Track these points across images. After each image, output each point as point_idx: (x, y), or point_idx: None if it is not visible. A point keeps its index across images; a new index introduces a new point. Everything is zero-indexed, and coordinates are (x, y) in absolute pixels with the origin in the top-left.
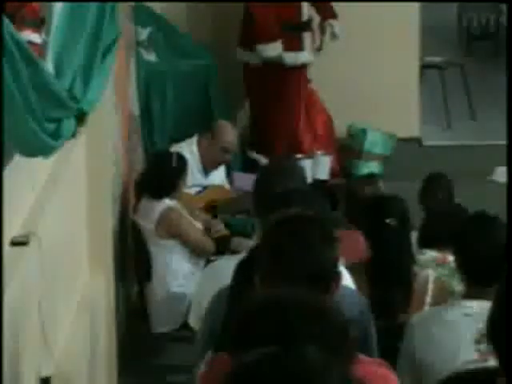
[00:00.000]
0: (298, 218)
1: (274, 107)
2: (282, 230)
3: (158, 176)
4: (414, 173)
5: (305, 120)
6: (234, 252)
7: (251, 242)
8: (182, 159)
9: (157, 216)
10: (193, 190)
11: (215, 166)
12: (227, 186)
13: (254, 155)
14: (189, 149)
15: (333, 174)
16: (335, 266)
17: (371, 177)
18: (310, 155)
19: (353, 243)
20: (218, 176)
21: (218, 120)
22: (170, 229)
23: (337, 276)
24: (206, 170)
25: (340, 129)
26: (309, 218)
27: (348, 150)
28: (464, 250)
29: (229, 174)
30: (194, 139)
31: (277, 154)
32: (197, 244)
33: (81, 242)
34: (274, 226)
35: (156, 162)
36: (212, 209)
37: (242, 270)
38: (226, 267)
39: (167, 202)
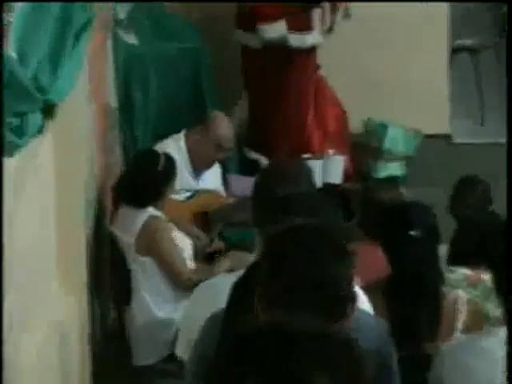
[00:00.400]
0: (306, 229)
1: (277, 98)
2: (287, 244)
3: (141, 180)
4: (442, 176)
5: (313, 113)
6: (230, 269)
7: (250, 257)
8: (170, 161)
9: (138, 228)
10: (180, 196)
11: (207, 166)
12: (222, 191)
13: (253, 155)
14: (176, 145)
15: (347, 176)
16: (350, 285)
17: (392, 180)
18: (319, 155)
19: (370, 259)
20: (212, 179)
21: (213, 112)
22: (150, 244)
23: (353, 298)
24: (197, 170)
25: (355, 124)
26: (318, 228)
27: (365, 148)
28: (497, 266)
29: (223, 177)
30: (182, 134)
31: (280, 153)
32: (178, 272)
33: (49, 256)
34: (276, 238)
35: (138, 164)
36: (203, 218)
37: (239, 291)
38: (220, 287)
39: (151, 211)
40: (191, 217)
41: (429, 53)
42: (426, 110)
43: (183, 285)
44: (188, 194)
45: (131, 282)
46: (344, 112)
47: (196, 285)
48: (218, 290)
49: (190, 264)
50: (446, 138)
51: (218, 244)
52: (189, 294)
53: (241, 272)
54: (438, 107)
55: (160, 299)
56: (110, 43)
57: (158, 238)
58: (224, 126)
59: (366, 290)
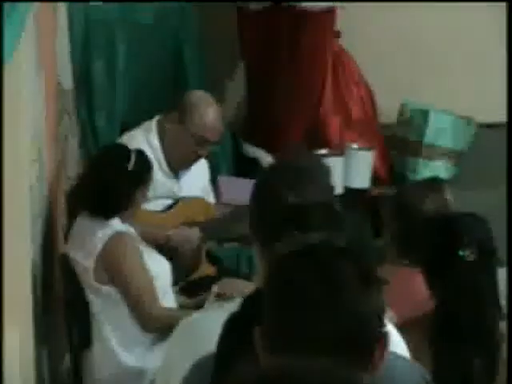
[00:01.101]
0: (322, 249)
1: (283, 74)
2: (297, 268)
3: (105, 183)
4: (501, 177)
5: (331, 94)
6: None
7: (248, 286)
8: (143, 159)
9: (98, 247)
10: (154, 205)
11: (186, 165)
12: (210, 198)
13: (253, 150)
14: (145, 138)
15: (376, 179)
16: (379, 322)
17: (435, 183)
18: (340, 150)
19: (407, 288)
20: (197, 181)
21: (191, 91)
22: (113, 269)
23: (382, 339)
24: (175, 171)
25: (387, 110)
26: (339, 248)
27: (400, 142)
28: None
29: (213, 180)
30: (154, 122)
31: (287, 147)
32: (142, 308)
33: None
34: (283, 260)
35: (102, 162)
36: None
37: (233, 330)
38: (208, 325)
39: (116, 225)
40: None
41: (484, 18)
42: (481, 93)
43: (148, 326)
44: (167, 202)
45: (91, 319)
46: (372, 94)
47: (165, 328)
48: (206, 328)
49: (167, 294)
50: (506, 128)
51: (207, 268)
52: (167, 335)
53: (236, 305)
54: (495, 89)
55: (129, 342)
56: (63, 6)
57: (124, 262)
58: (208, 113)
59: (402, 328)
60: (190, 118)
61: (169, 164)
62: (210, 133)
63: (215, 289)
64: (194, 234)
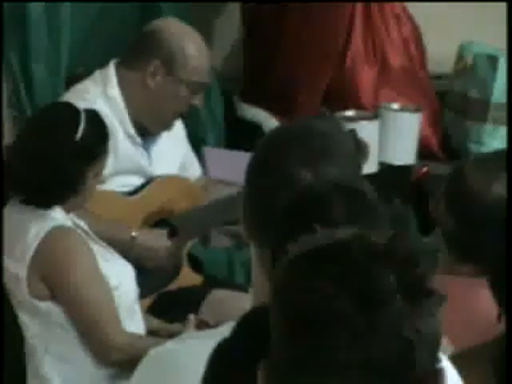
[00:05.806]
0: (353, 250)
1: (295, 10)
2: (316, 277)
3: (42, 160)
4: None
5: (363, 37)
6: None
7: (245, 302)
8: (95, 123)
9: (33, 247)
10: (114, 184)
11: (165, 126)
12: (197, 172)
13: (252, 112)
14: (102, 92)
15: (424, 152)
16: (431, 355)
17: (508, 159)
18: (373, 112)
19: (466, 305)
20: (173, 151)
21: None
22: (53, 278)
23: (436, 376)
24: (144, 136)
25: (441, 55)
26: (373, 250)
27: (458, 100)
28: None
29: (197, 153)
30: (111, 70)
31: (301, 109)
32: (101, 334)
33: None
34: (297, 266)
35: (37, 130)
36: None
37: (223, 366)
38: (186, 359)
39: (58, 216)
40: (141, 227)
41: None
42: None
43: (106, 358)
44: (133, 180)
45: (25, 349)
46: (418, 33)
47: (128, 362)
48: (183, 363)
49: (131, 313)
50: None
51: (189, 277)
52: (130, 371)
53: (226, 329)
54: None
55: (79, 380)
56: None
57: (72, 267)
58: (197, 47)
59: (462, 361)
60: (180, 63)
61: (135, 126)
62: (207, 74)
63: (192, 317)
64: (165, 250)
